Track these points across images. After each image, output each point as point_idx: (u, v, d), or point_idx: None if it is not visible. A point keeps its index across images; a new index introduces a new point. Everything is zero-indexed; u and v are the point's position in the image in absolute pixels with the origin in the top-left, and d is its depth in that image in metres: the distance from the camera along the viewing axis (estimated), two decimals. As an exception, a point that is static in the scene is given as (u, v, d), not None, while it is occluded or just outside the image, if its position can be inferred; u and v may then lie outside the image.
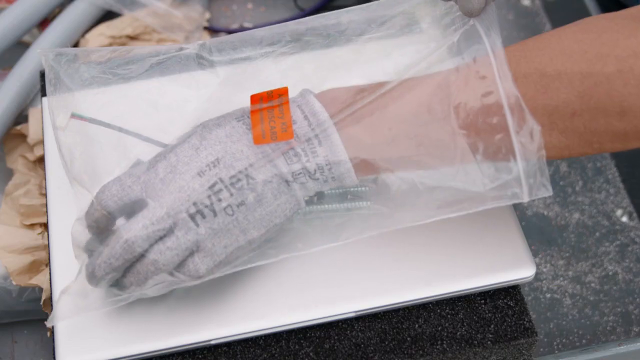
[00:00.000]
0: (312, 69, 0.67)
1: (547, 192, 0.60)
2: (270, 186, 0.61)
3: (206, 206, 0.60)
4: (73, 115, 0.68)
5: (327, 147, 0.61)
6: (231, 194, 0.60)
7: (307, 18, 0.69)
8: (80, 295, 0.62)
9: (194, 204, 0.60)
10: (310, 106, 0.62)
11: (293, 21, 0.69)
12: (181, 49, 0.68)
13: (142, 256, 0.60)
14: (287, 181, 0.61)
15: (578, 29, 0.60)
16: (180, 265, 0.60)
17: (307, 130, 0.61)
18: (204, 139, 0.62)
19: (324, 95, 0.63)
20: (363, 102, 0.62)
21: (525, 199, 0.60)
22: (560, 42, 0.60)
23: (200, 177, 0.60)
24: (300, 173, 0.61)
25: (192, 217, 0.60)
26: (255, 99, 0.63)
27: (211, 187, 0.60)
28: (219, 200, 0.60)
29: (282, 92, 0.63)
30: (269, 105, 0.62)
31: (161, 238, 0.60)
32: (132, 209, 0.61)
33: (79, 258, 0.62)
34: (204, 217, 0.60)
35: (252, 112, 0.62)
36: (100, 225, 0.62)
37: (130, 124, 0.68)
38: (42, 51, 0.68)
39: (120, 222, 0.62)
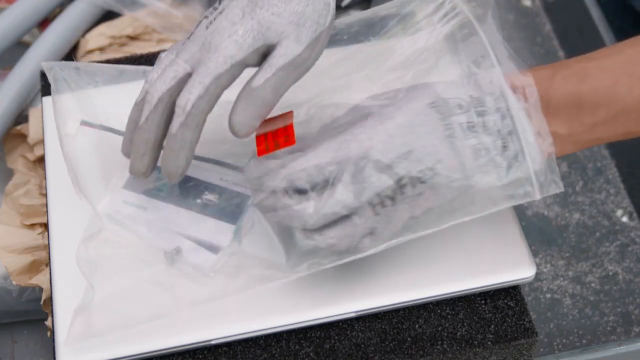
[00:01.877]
0: (324, 65, 0.67)
1: (558, 188, 0.61)
2: (450, 184, 0.61)
3: (389, 197, 0.60)
4: (83, 123, 0.68)
5: (521, 146, 0.61)
6: (414, 187, 0.60)
7: None
8: (90, 319, 0.62)
9: (378, 195, 0.60)
10: (506, 97, 0.61)
11: None
12: None
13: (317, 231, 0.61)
14: (468, 176, 0.61)
15: None
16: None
17: (498, 124, 0.60)
18: (400, 126, 0.60)
19: (522, 81, 0.62)
20: (560, 90, 0.62)
21: (537, 196, 0.61)
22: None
23: (390, 169, 0.60)
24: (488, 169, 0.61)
25: (373, 206, 0.60)
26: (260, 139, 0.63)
27: (398, 180, 0.60)
28: (402, 193, 0.60)
29: (287, 120, 0.62)
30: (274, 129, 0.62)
31: (340, 220, 0.60)
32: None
33: (86, 276, 0.63)
34: (384, 206, 0.60)
35: (257, 136, 0.62)
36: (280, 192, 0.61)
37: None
38: (45, 64, 0.68)
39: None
